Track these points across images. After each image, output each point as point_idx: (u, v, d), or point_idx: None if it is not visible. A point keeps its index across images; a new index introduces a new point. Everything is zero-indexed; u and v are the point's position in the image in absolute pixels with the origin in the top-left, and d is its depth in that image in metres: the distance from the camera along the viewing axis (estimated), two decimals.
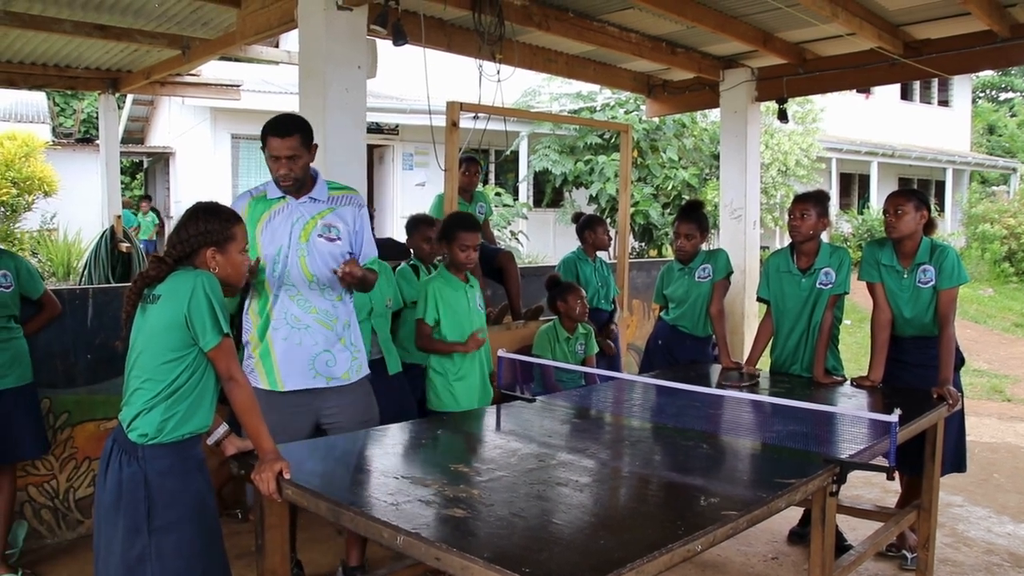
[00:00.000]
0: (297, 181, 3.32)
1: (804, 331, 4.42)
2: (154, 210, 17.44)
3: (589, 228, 5.66)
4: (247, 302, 3.44)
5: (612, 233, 8.85)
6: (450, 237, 4.05)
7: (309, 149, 3.33)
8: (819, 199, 4.44)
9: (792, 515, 4.54)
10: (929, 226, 4.16)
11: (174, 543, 2.49)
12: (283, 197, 3.36)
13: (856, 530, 4.45)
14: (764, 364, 4.65)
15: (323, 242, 3.37)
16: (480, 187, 6.34)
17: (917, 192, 4.28)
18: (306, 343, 3.36)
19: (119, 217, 10.70)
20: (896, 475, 3.71)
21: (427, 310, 4.02)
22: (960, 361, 4.21)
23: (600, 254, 5.79)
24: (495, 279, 5.82)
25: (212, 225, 2.63)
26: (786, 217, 4.78)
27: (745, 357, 4.82)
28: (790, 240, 4.53)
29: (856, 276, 4.38)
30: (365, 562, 3.77)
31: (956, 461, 4.26)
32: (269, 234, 3.33)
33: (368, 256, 3.53)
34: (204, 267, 2.61)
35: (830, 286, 4.34)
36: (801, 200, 4.43)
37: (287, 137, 3.25)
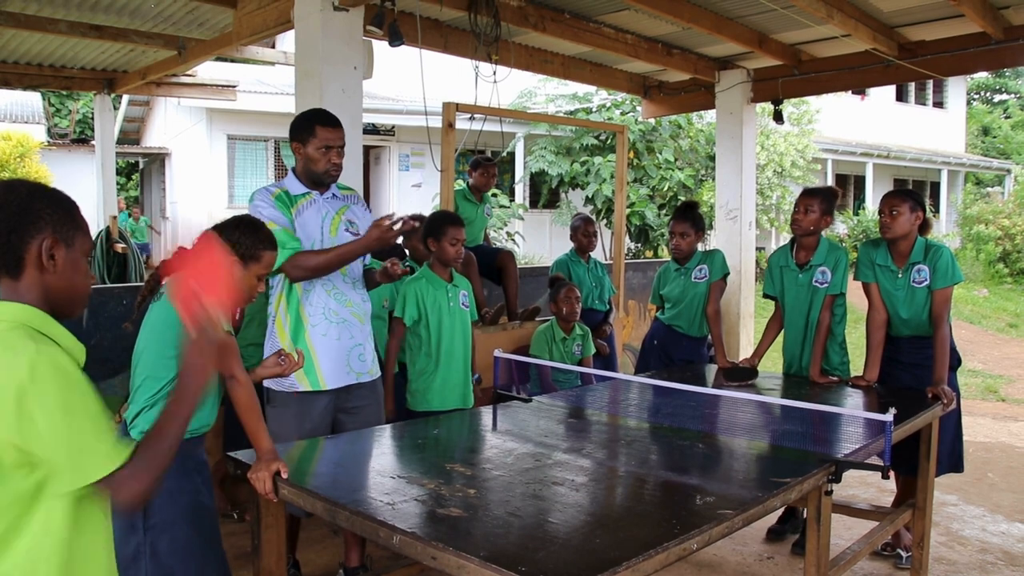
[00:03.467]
0: (340, 172, 3.40)
1: (803, 328, 4.45)
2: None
3: (572, 230, 5.71)
4: (272, 308, 3.43)
5: (607, 234, 8.81)
6: (439, 233, 4.04)
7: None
8: (826, 196, 4.49)
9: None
10: (924, 226, 4.18)
11: (169, 542, 2.49)
12: (307, 193, 3.39)
13: (851, 529, 4.46)
14: (776, 365, 4.67)
15: (349, 236, 3.43)
16: None
17: (912, 193, 4.29)
18: (343, 338, 3.40)
19: (115, 218, 10.69)
20: (892, 474, 3.72)
21: (405, 309, 4.01)
22: (956, 361, 4.22)
23: (596, 254, 5.81)
24: (493, 279, 5.83)
25: (245, 238, 2.68)
26: (783, 218, 4.83)
27: (740, 358, 4.84)
28: (791, 235, 4.58)
29: (852, 276, 4.41)
30: (367, 560, 3.76)
31: (953, 461, 4.26)
32: (299, 229, 3.34)
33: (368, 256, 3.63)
34: None
35: (826, 285, 4.37)
36: (807, 195, 4.49)
37: (339, 128, 3.35)
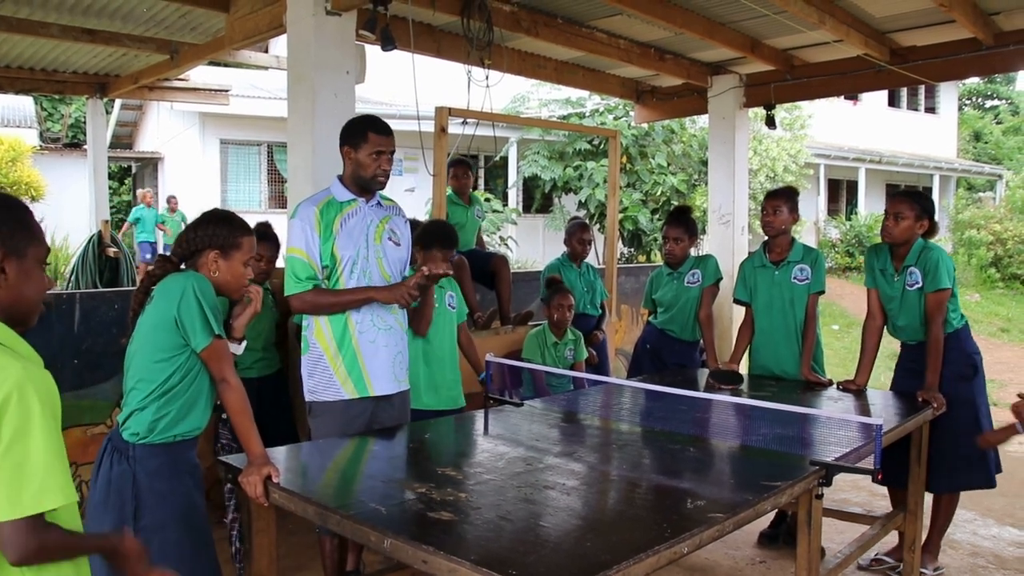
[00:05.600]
0: (388, 179, 3.43)
1: (781, 327, 4.47)
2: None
3: (567, 234, 5.70)
4: (308, 318, 3.41)
5: (600, 238, 8.82)
6: (427, 245, 4.05)
7: None
8: (789, 195, 4.58)
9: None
10: (930, 231, 4.16)
11: (159, 544, 2.48)
12: (353, 200, 3.41)
13: (843, 533, 4.47)
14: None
15: (391, 245, 3.48)
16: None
17: (922, 198, 4.22)
18: (390, 345, 3.43)
19: (106, 222, 10.65)
20: (884, 484, 3.69)
21: None
22: (972, 369, 4.11)
23: (588, 258, 5.80)
24: (486, 283, 5.82)
25: (220, 230, 2.69)
26: None
27: (724, 360, 4.85)
28: (764, 239, 4.62)
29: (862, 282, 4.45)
30: (361, 566, 3.75)
31: (984, 475, 4.08)
32: (345, 236, 3.36)
33: (408, 267, 3.65)
34: (205, 269, 2.65)
35: (807, 282, 4.41)
36: (773, 196, 4.57)
37: (391, 135, 3.38)
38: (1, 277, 1.65)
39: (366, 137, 3.33)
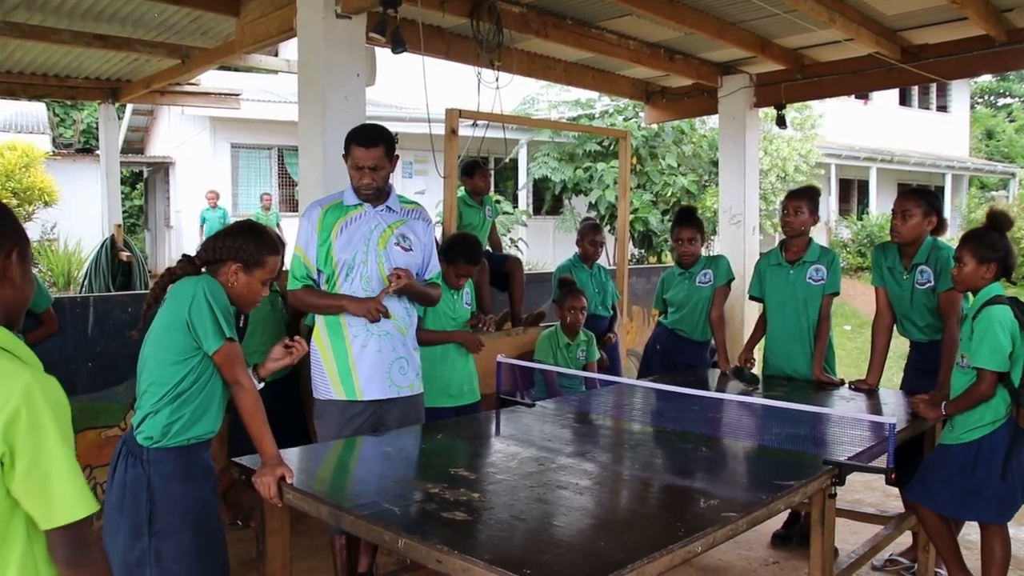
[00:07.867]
0: (378, 191, 3.39)
1: (795, 326, 4.44)
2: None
3: (579, 236, 5.70)
4: (314, 320, 3.47)
5: (611, 240, 8.80)
6: (450, 259, 4.11)
7: (391, 160, 3.40)
8: (811, 195, 4.56)
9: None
10: (939, 228, 4.14)
11: (173, 548, 2.50)
12: (359, 205, 3.41)
13: (857, 533, 4.45)
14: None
15: (399, 251, 3.45)
16: None
17: (928, 194, 4.19)
18: (384, 350, 3.40)
19: (119, 227, 10.72)
20: (895, 477, 3.66)
21: None
22: None
23: (599, 260, 5.79)
24: (498, 285, 5.83)
25: (248, 244, 2.69)
26: None
27: (737, 354, 4.84)
28: (782, 238, 4.60)
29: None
30: (374, 568, 3.75)
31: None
32: (345, 239, 3.36)
33: (433, 270, 3.61)
34: (223, 278, 2.66)
35: (822, 282, 4.40)
36: (794, 196, 4.55)
37: (372, 147, 3.32)
38: (16, 275, 1.66)
39: (349, 149, 3.36)
